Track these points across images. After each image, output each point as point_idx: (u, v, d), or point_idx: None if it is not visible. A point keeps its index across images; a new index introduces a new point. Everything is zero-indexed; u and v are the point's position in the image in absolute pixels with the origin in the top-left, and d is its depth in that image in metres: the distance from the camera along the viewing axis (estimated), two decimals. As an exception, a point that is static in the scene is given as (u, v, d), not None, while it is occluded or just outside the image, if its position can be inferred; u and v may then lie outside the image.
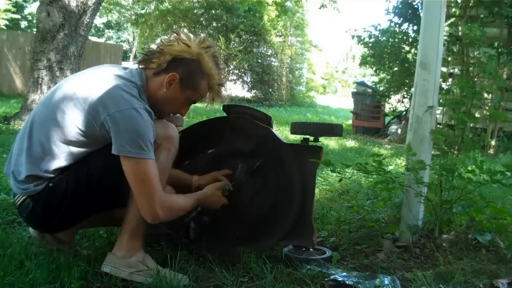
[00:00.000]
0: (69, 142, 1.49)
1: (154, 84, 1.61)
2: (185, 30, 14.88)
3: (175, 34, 1.63)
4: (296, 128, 1.91)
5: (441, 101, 2.21)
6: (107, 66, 1.65)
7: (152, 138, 1.47)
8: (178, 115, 1.80)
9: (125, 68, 1.63)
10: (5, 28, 12.16)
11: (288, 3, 14.99)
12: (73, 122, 1.48)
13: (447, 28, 6.63)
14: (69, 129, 1.48)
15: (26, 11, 18.64)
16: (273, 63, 15.38)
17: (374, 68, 8.97)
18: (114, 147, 1.44)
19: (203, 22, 15.13)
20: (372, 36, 8.32)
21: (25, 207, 1.53)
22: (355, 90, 9.68)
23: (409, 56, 8.02)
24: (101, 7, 8.55)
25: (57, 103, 1.51)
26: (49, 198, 1.50)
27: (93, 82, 1.53)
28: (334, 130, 1.91)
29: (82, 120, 1.47)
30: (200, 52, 1.62)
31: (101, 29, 25.50)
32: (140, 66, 1.63)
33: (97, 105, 1.46)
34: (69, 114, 1.48)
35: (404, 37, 8.17)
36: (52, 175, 1.50)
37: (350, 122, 9.47)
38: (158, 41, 1.80)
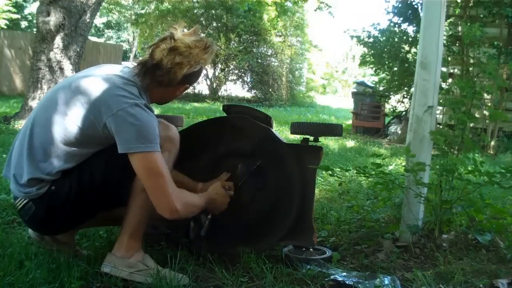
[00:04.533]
0: (70, 144, 1.48)
1: (159, 92, 1.65)
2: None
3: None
4: (296, 128, 1.91)
5: (441, 101, 2.21)
6: (107, 66, 1.64)
7: (157, 131, 1.47)
8: (178, 115, 1.91)
9: (125, 67, 1.63)
10: (5, 28, 12.15)
11: (288, 3, 14.99)
12: (75, 123, 1.47)
13: (447, 28, 6.63)
14: (71, 130, 1.47)
15: (26, 11, 18.62)
16: (273, 63, 15.37)
17: (374, 68, 8.97)
18: (121, 146, 1.43)
19: (203, 22, 15.12)
20: (371, 36, 8.31)
21: (27, 210, 1.52)
22: (355, 90, 9.67)
23: (409, 56, 8.01)
24: (101, 7, 8.54)
25: (58, 105, 1.50)
26: (52, 201, 1.49)
27: (93, 83, 1.52)
28: (334, 130, 1.91)
29: (83, 121, 1.46)
30: (205, 58, 1.64)
31: (101, 29, 25.48)
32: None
33: (99, 106, 1.45)
34: (70, 116, 1.48)
35: (404, 37, 8.17)
36: (54, 178, 1.49)
37: (350, 122, 9.46)
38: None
